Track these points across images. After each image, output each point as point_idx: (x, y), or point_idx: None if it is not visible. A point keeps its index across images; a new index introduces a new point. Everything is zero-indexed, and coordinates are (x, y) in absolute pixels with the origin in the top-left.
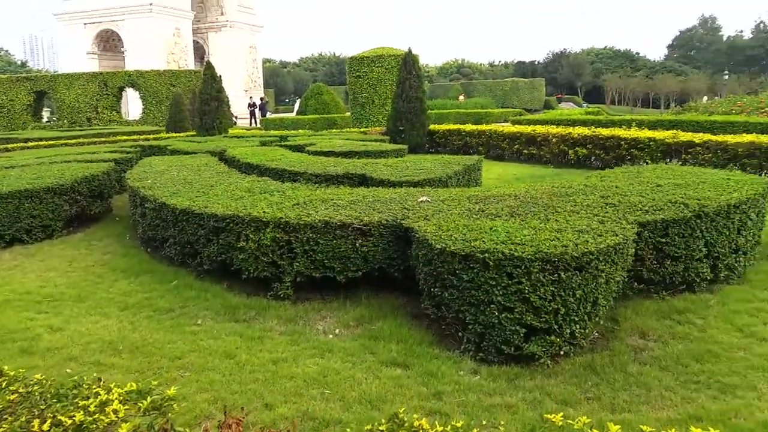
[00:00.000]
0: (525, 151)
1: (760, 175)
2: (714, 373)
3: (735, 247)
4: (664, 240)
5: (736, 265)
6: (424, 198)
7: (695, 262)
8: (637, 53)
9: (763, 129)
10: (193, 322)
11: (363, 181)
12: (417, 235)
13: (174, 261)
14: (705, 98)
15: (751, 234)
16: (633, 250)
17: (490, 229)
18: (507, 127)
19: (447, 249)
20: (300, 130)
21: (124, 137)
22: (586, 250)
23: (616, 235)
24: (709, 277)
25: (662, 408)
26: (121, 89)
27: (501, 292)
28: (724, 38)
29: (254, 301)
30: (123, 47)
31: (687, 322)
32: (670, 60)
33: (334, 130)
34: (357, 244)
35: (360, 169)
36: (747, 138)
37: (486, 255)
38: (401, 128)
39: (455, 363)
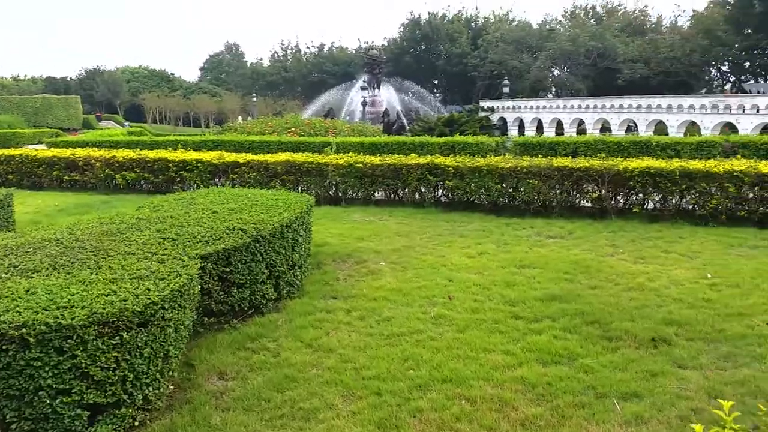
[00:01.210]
0: (67, 178)
1: (297, 189)
2: (295, 400)
3: (292, 264)
4: (228, 269)
5: (295, 279)
6: None
7: (260, 284)
8: (173, 74)
9: (293, 148)
10: None
11: None
12: None
13: None
14: (240, 118)
15: (303, 248)
16: (199, 286)
17: (27, 291)
18: (42, 151)
19: None
20: None
21: None
22: (149, 300)
23: (180, 276)
24: (273, 297)
25: None
26: None
27: (51, 374)
28: (248, 64)
29: None
30: None
31: (262, 349)
32: (204, 81)
33: None
34: None
35: None
36: (283, 157)
37: (24, 330)
38: None
39: None
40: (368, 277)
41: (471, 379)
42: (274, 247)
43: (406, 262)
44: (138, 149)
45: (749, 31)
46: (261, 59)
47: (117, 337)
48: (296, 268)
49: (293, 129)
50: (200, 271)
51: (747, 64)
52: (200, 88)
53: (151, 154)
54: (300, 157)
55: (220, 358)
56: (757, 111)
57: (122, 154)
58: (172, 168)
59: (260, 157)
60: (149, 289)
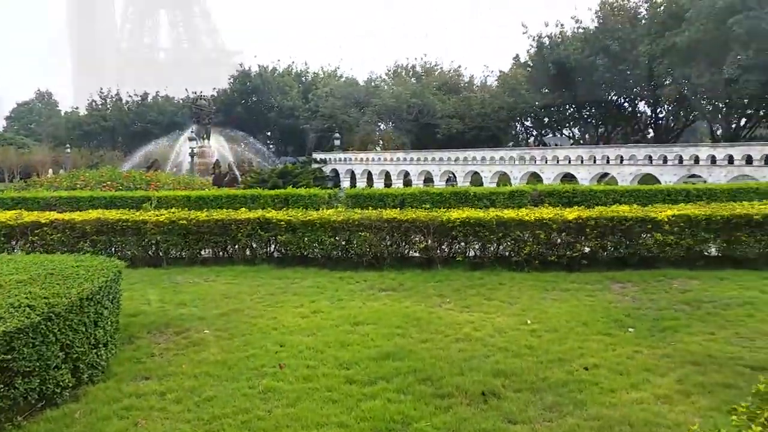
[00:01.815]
0: None
1: (111, 250)
2: None
3: (95, 342)
4: (10, 356)
5: (98, 360)
6: None
7: (53, 371)
8: None
9: (107, 203)
10: None
11: None
12: None
13: None
14: (51, 171)
15: (109, 323)
16: None
17: None
18: None
19: None
20: None
21: None
22: None
23: None
24: (71, 384)
25: None
26: None
27: None
28: (63, 113)
29: None
30: None
31: None
32: (10, 132)
33: None
34: None
35: None
36: (94, 214)
37: None
38: None
39: None
40: (189, 350)
41: None
42: (72, 325)
43: (234, 328)
44: None
45: (546, 90)
46: (77, 108)
47: None
48: (100, 346)
49: (109, 183)
50: None
51: (546, 119)
52: (5, 139)
53: None
54: (114, 214)
55: None
56: (557, 162)
57: None
58: None
59: (66, 216)
60: None
